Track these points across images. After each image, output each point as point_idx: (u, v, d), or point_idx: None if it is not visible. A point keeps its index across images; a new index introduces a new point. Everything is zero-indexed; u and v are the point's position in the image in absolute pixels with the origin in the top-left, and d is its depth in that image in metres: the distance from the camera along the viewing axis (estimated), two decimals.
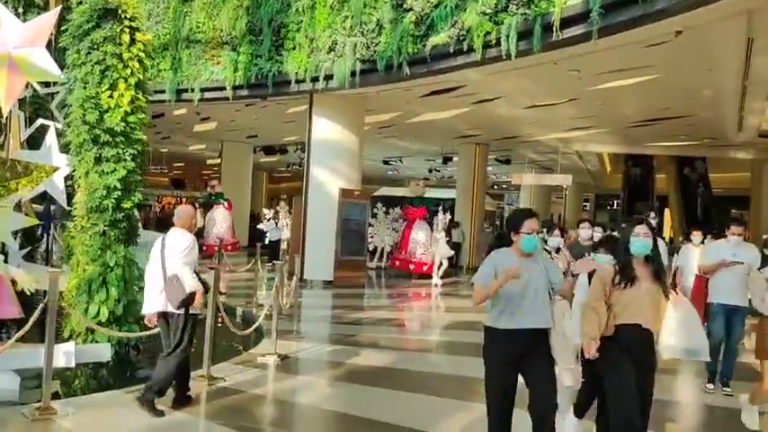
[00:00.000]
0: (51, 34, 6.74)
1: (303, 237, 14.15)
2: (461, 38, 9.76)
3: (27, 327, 4.93)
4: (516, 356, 3.80)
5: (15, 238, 7.38)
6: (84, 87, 7.01)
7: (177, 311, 5.06)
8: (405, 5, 10.87)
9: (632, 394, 3.78)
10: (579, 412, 4.66)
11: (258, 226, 19.06)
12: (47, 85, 8.56)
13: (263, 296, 11.04)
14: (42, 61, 6.29)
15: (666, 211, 29.84)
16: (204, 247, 19.79)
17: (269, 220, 18.29)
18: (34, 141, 8.26)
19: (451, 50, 9.96)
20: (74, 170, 7.27)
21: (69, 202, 7.64)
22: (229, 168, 25.22)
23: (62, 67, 7.07)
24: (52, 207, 8.92)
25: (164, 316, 5.15)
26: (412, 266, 16.41)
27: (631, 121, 15.58)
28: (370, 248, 17.33)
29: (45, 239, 9.08)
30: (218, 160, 26.40)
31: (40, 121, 8.37)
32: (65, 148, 7.57)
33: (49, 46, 6.55)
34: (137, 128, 7.22)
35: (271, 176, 41.07)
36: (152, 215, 30.24)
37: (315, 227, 14.01)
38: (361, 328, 9.63)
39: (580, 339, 4.08)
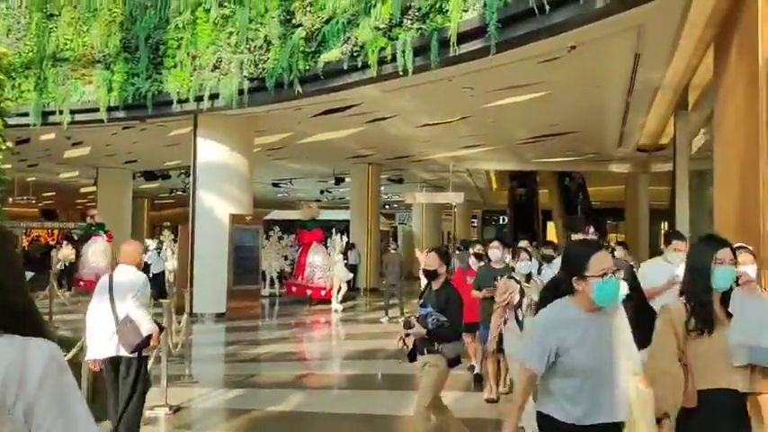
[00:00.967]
0: None
1: (191, 267, 13.17)
2: (355, 54, 9.38)
3: None
4: None
5: None
6: None
7: (130, 355, 4.73)
8: (294, 21, 10.39)
9: None
10: None
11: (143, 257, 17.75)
12: None
13: None
14: None
15: (550, 225, 31.03)
16: (81, 283, 18.18)
17: (152, 250, 16.99)
18: None
19: (345, 67, 9.56)
20: None
21: None
22: (107, 196, 23.46)
23: None
24: None
25: (114, 361, 4.79)
26: (310, 292, 15.79)
27: (520, 138, 15.87)
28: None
29: None
30: (94, 188, 24.54)
31: None
32: None
33: None
34: None
35: (152, 203, 38.95)
36: (19, 250, 27.67)
37: (204, 256, 13.09)
38: (260, 366, 8.91)
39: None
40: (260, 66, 10.84)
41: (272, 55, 10.62)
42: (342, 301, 15.11)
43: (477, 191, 29.75)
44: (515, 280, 5.80)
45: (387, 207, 40.36)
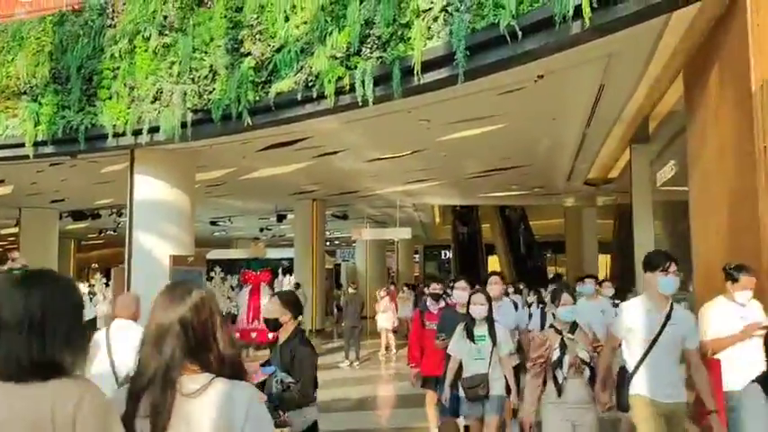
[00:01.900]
0: None
1: None
2: (310, 84, 8.88)
3: None
4: None
5: None
6: None
7: None
8: (242, 50, 9.82)
9: None
10: None
11: None
12: None
13: None
14: None
15: (491, 259, 31.08)
16: None
17: (84, 295, 15.80)
18: None
19: (299, 97, 9.03)
20: None
21: None
22: (30, 238, 21.87)
23: None
24: None
25: None
26: (254, 335, 14.90)
27: (471, 172, 15.67)
28: None
29: None
30: (16, 229, 22.88)
31: None
32: None
33: None
34: None
35: (79, 245, 36.97)
36: None
37: (141, 301, 12.07)
38: None
39: None
40: (205, 97, 10.17)
41: (219, 85, 9.99)
42: None
43: (421, 226, 29.53)
44: (556, 330, 4.75)
45: (328, 244, 39.72)
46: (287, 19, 9.25)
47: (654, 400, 4.17)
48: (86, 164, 13.91)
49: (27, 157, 11.94)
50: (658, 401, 4.17)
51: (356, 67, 8.37)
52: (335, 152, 13.27)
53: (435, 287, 8.10)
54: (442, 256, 42.56)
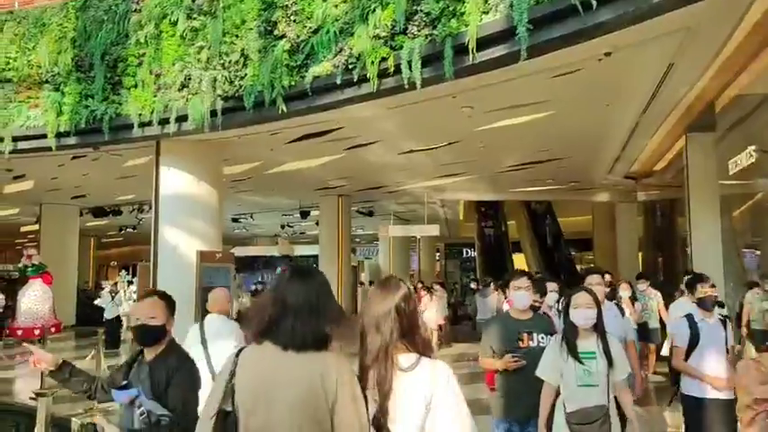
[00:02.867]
0: None
1: None
2: (350, 66, 8.27)
3: None
4: None
5: None
6: None
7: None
8: (275, 32, 9.24)
9: None
10: None
11: (96, 301, 15.88)
12: None
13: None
14: None
15: (518, 257, 30.30)
16: (19, 332, 16.20)
17: (105, 293, 15.24)
18: None
19: (338, 82, 8.43)
20: None
21: None
22: (51, 235, 21.52)
23: None
24: None
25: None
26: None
27: (505, 165, 15.00)
28: None
29: None
30: (36, 226, 22.53)
31: None
32: None
33: None
34: None
35: (99, 242, 36.71)
36: None
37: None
38: None
39: None
40: (236, 83, 9.61)
41: (251, 71, 9.42)
42: None
43: (445, 223, 28.82)
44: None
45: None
46: None
47: None
48: (109, 157, 13.43)
49: (49, 149, 11.47)
50: None
51: (402, 47, 7.75)
52: (367, 144, 12.66)
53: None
54: (464, 255, 41.81)
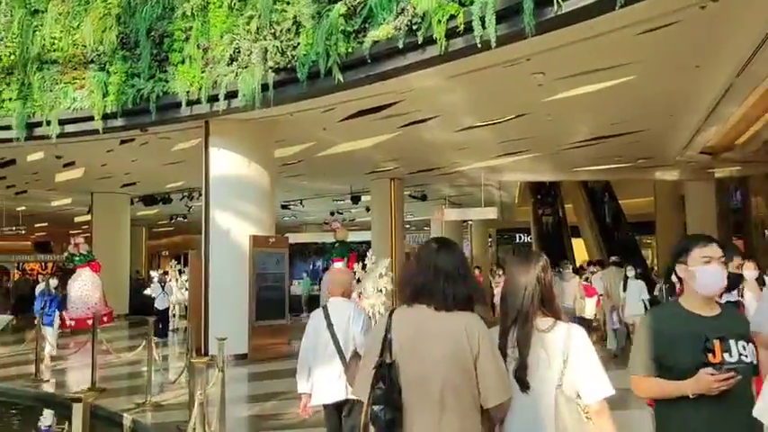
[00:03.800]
0: None
1: (206, 300, 11.14)
2: (414, 27, 7.49)
3: None
4: None
5: None
6: None
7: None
8: None
9: None
10: None
11: (146, 291, 15.53)
12: None
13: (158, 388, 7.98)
14: None
15: (577, 242, 29.06)
16: (72, 322, 16.05)
17: (156, 283, 14.83)
18: None
19: (400, 45, 7.67)
20: None
21: None
22: (102, 225, 21.41)
23: None
24: None
25: (339, 406, 4.30)
26: None
27: (572, 141, 13.99)
28: None
29: None
30: (89, 217, 22.50)
31: None
32: None
33: None
34: None
35: (150, 232, 36.90)
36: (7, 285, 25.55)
37: (220, 286, 11.08)
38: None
39: None
40: (288, 53, 8.94)
41: (304, 39, 8.73)
42: None
43: (500, 207, 27.76)
44: None
45: None
46: None
47: None
48: (157, 140, 12.99)
49: (96, 131, 11.07)
50: None
51: (473, 2, 6.94)
52: (425, 120, 11.86)
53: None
54: (517, 240, 40.65)
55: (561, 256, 24.03)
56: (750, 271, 5.30)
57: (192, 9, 9.99)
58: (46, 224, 32.61)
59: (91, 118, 10.92)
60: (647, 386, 2.70)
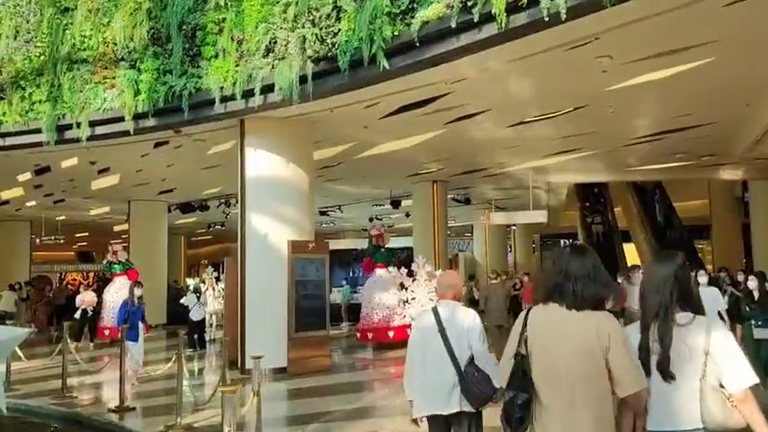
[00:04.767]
0: None
1: (242, 309, 10.46)
2: (469, 4, 6.68)
3: None
4: None
5: None
6: None
7: (473, 411, 3.86)
8: None
9: None
10: None
11: (182, 300, 14.95)
12: None
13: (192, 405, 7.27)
14: None
15: (628, 247, 27.74)
16: (106, 331, 15.62)
17: (191, 293, 14.19)
18: None
19: (453, 25, 6.86)
20: None
21: None
22: (140, 232, 21.08)
23: None
24: None
25: (449, 420, 3.89)
26: (392, 333, 12.94)
27: (632, 137, 12.97)
28: None
29: None
30: (127, 225, 22.19)
31: None
32: None
33: None
34: None
35: (189, 240, 36.73)
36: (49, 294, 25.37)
37: (257, 294, 10.39)
38: None
39: None
40: (328, 41, 8.21)
41: (345, 24, 7.99)
42: None
43: (548, 211, 26.66)
44: None
45: None
46: None
47: None
48: (192, 144, 12.44)
49: (128, 132, 10.52)
50: None
51: None
52: (474, 114, 11.02)
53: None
54: (562, 246, 39.22)
55: (613, 264, 22.95)
56: None
57: (226, 0, 9.36)
58: (87, 234, 32.64)
59: (121, 119, 10.38)
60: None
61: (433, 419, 3.93)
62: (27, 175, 15.46)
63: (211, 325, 15.34)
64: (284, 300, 10.31)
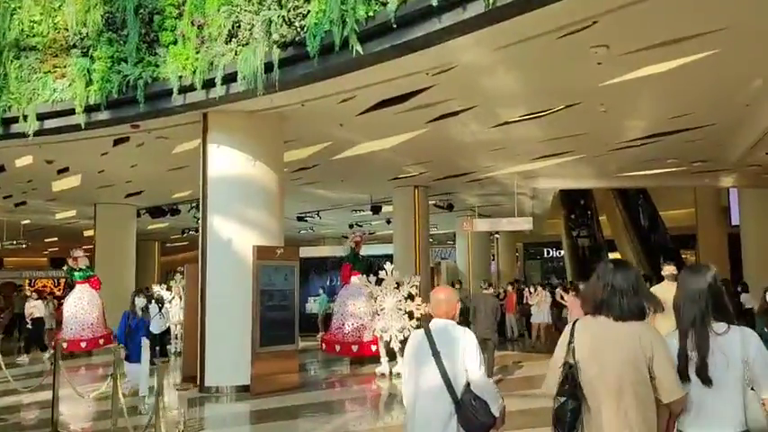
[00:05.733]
0: None
1: (202, 320, 9.55)
2: None
3: None
4: None
5: None
6: None
7: None
8: None
9: None
10: None
11: None
12: None
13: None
14: None
15: (614, 257, 27.15)
16: (64, 344, 14.54)
17: (153, 304, 13.08)
18: None
19: (434, 3, 6.08)
20: None
21: None
22: (107, 239, 20.00)
23: None
24: None
25: None
26: (356, 348, 12.06)
27: (624, 139, 12.26)
28: None
29: None
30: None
31: None
32: None
33: None
34: None
35: (163, 247, 35.58)
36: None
37: (218, 304, 9.48)
38: None
39: None
40: (296, 24, 7.40)
41: (315, 5, 7.17)
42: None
43: (533, 218, 25.97)
44: None
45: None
46: None
47: None
48: (154, 141, 11.53)
49: (79, 126, 9.61)
50: None
51: None
52: (459, 112, 10.24)
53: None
54: (545, 255, 38.72)
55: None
56: None
57: None
58: (56, 239, 31.49)
59: (72, 111, 9.47)
60: None
61: None
62: None
63: (176, 336, 14.33)
64: (248, 310, 9.41)
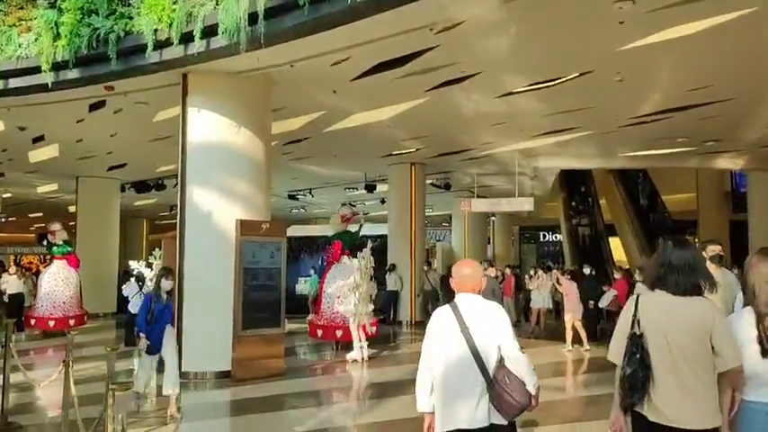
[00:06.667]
0: None
1: (179, 300, 8.77)
2: None
3: None
4: None
5: None
6: None
7: (505, 423, 3.40)
8: None
9: None
10: None
11: (123, 289, 13.03)
12: None
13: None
14: None
15: (614, 241, 26.55)
16: (32, 321, 13.77)
17: (132, 282, 12.29)
18: None
19: None
20: None
21: None
22: (89, 213, 19.21)
23: None
24: None
25: None
26: (340, 333, 11.33)
27: (636, 114, 11.48)
28: None
29: None
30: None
31: None
32: None
33: None
34: None
35: (152, 224, 34.76)
36: None
37: (197, 283, 8.72)
38: None
39: None
40: None
41: None
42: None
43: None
44: None
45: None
46: None
47: None
48: (133, 106, 10.71)
49: (45, 87, 8.76)
50: None
51: None
52: (462, 79, 9.42)
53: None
54: (542, 239, 38.09)
55: (598, 259, 21.76)
56: None
57: None
58: (41, 214, 30.61)
59: (38, 69, 8.62)
60: None
61: None
62: None
63: None
64: (230, 290, 8.65)
